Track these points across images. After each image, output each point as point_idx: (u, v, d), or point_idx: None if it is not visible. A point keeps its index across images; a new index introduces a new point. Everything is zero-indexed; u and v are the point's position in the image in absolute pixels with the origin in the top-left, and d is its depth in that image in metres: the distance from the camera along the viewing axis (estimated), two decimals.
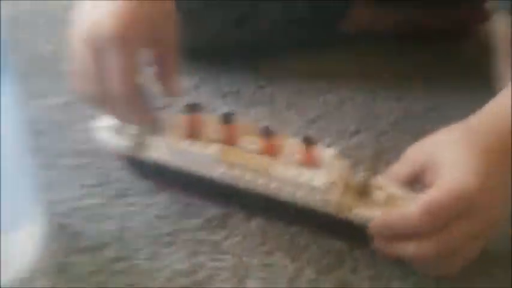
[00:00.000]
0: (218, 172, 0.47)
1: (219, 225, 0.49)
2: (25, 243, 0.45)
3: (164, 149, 0.48)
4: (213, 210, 0.50)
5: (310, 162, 0.46)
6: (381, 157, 0.56)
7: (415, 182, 0.45)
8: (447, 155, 0.42)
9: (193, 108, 0.48)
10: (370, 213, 0.45)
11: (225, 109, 0.60)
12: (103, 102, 0.46)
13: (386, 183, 0.46)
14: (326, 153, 0.47)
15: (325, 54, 0.67)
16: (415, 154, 0.46)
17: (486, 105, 0.45)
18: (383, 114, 0.61)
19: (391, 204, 0.45)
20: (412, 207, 0.41)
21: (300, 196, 0.46)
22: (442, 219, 0.40)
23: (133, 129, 0.50)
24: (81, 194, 0.50)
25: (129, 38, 0.43)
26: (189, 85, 0.63)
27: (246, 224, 0.49)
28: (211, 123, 0.49)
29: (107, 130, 0.50)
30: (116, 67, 0.43)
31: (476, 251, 0.43)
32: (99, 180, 0.52)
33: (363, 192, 0.46)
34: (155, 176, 0.52)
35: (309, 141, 0.46)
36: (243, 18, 0.63)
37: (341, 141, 0.58)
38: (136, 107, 0.46)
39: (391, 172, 0.47)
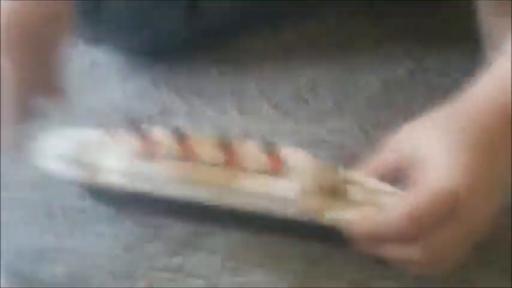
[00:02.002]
0: (177, 192, 0.44)
1: (183, 246, 0.46)
2: None
3: (117, 173, 0.45)
4: (177, 230, 0.47)
5: (278, 169, 0.43)
6: (363, 141, 0.53)
7: (397, 175, 0.42)
8: (432, 151, 0.39)
9: (134, 126, 0.45)
10: (348, 215, 0.42)
11: (186, 108, 0.58)
12: None
13: (365, 178, 0.43)
14: (295, 156, 0.44)
15: (292, 28, 0.63)
16: (398, 146, 0.42)
17: (473, 86, 0.41)
18: (363, 89, 0.57)
19: (370, 202, 0.42)
20: (394, 211, 0.39)
21: (270, 208, 0.43)
22: (427, 224, 0.38)
23: (84, 154, 0.47)
24: (32, 232, 0.48)
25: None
26: (147, 83, 0.60)
27: (215, 239, 0.47)
28: (164, 139, 0.45)
29: (54, 158, 0.47)
30: None
31: (464, 252, 0.40)
32: (52, 214, 0.49)
33: (339, 191, 0.43)
34: (115, 202, 0.49)
35: (271, 148, 0.43)
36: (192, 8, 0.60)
37: (319, 127, 0.55)
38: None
39: (372, 164, 0.44)
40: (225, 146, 0.43)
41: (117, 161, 0.45)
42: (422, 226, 0.38)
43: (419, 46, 0.60)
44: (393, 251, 0.40)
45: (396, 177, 0.42)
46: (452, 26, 0.61)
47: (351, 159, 0.47)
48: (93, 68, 0.63)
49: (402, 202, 0.39)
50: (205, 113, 0.57)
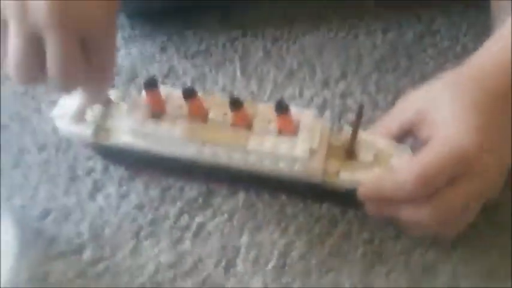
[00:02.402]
0: (189, 152, 0.46)
1: (202, 207, 0.48)
2: None
3: (128, 133, 0.47)
4: (193, 191, 0.49)
5: (287, 129, 0.44)
6: (368, 104, 0.54)
7: (407, 135, 0.44)
8: (442, 110, 0.41)
9: (150, 84, 0.46)
10: (359, 176, 0.43)
11: (194, 72, 0.59)
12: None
13: (374, 138, 0.45)
14: (303, 116, 0.45)
15: None
16: (408, 106, 0.44)
17: (479, 50, 0.43)
18: (368, 53, 0.59)
19: (381, 162, 0.43)
20: (404, 171, 0.40)
21: (281, 168, 0.44)
22: (437, 184, 0.39)
23: (94, 114, 0.48)
24: (52, 193, 0.50)
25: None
26: (154, 49, 0.61)
27: (230, 201, 0.48)
28: (175, 98, 0.47)
29: (64, 118, 0.49)
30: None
31: (474, 213, 0.42)
32: (70, 175, 0.51)
33: (349, 152, 0.45)
34: (126, 162, 0.50)
35: (282, 107, 0.44)
36: None
37: (325, 90, 0.56)
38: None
39: (381, 124, 0.45)
40: (237, 106, 0.44)
41: (128, 122, 0.46)
42: (432, 185, 0.39)
43: (428, 10, 0.61)
44: (404, 213, 0.41)
45: (405, 137, 0.44)
46: None
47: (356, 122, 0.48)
48: None
49: (412, 162, 0.40)
50: (213, 77, 0.58)
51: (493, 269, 0.44)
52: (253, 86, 0.57)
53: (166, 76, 0.58)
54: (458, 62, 0.44)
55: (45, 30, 0.39)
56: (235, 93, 0.57)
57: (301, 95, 0.56)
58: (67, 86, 0.42)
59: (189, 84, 0.57)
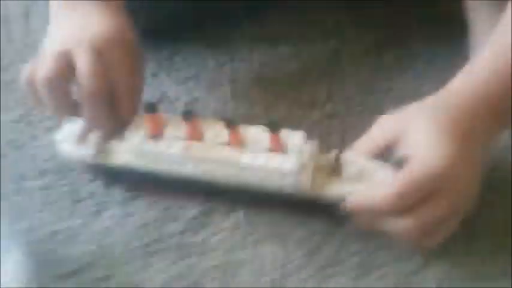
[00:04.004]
0: (187, 169, 0.50)
1: (203, 224, 0.52)
2: (6, 280, 0.47)
3: (129, 153, 0.51)
4: (193, 210, 0.53)
5: (277, 147, 0.49)
6: (352, 125, 0.59)
7: (386, 152, 0.49)
8: (418, 133, 0.46)
9: (150, 108, 0.50)
10: (344, 190, 0.48)
11: (186, 97, 0.63)
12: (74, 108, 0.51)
13: (357, 157, 0.49)
14: (293, 136, 0.50)
15: (279, 16, 0.69)
16: (387, 127, 0.49)
17: (457, 77, 0.48)
18: (352, 76, 0.64)
19: (364, 178, 0.48)
20: (387, 188, 0.45)
21: (273, 183, 0.49)
22: (418, 198, 0.44)
23: (95, 136, 0.52)
24: (55, 216, 0.53)
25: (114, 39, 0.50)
26: (147, 73, 0.65)
27: (229, 217, 0.52)
28: (173, 121, 0.51)
29: (67, 141, 0.53)
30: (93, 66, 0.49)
31: (452, 226, 0.47)
32: (72, 198, 0.54)
33: (335, 170, 0.50)
34: (127, 182, 0.54)
35: (273, 127, 0.49)
36: None
37: (313, 112, 0.61)
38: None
39: (362, 142, 0.50)
40: (231, 127, 0.49)
41: (129, 142, 0.51)
42: (410, 200, 0.44)
43: (408, 33, 0.67)
44: (388, 226, 0.46)
45: (385, 155, 0.49)
46: (441, 13, 0.67)
47: (343, 142, 0.53)
48: None
49: (392, 180, 0.45)
50: (204, 101, 0.62)
51: (475, 273, 0.49)
52: (243, 109, 0.62)
53: (159, 101, 0.62)
54: (435, 84, 0.49)
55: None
56: (227, 116, 0.61)
57: (289, 116, 0.61)
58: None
59: (181, 109, 0.61)
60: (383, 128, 0.49)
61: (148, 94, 0.62)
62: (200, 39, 0.67)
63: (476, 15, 0.58)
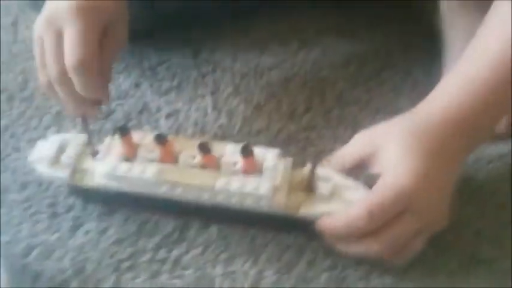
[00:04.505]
0: (161, 191, 0.51)
1: (177, 240, 0.53)
2: None
3: (103, 177, 0.52)
4: (168, 226, 0.54)
5: (251, 170, 0.50)
6: (330, 137, 0.60)
7: (360, 167, 0.50)
8: (389, 151, 0.47)
9: (122, 131, 0.51)
10: (317, 209, 0.49)
11: (167, 109, 0.64)
12: (60, 84, 0.52)
13: (331, 173, 0.51)
14: (267, 155, 0.51)
15: (263, 27, 0.69)
16: (361, 144, 0.50)
17: (428, 98, 0.49)
18: (332, 87, 0.65)
19: (337, 196, 0.49)
20: (354, 209, 0.46)
21: (248, 205, 0.50)
22: (384, 219, 0.45)
23: (69, 156, 0.53)
24: (32, 230, 0.54)
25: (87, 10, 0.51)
26: (128, 85, 0.66)
27: (203, 233, 0.54)
28: (147, 141, 0.52)
29: (42, 162, 0.54)
30: (74, 38, 0.50)
31: (421, 244, 0.48)
32: (51, 211, 0.55)
33: (309, 187, 0.50)
34: (102, 201, 0.55)
35: (246, 152, 0.49)
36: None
37: (291, 124, 0.62)
38: (91, 81, 0.51)
39: (337, 156, 0.51)
40: (205, 150, 0.50)
41: (102, 166, 0.52)
42: (380, 221, 0.45)
43: (388, 45, 0.68)
44: (357, 247, 0.47)
45: (358, 170, 0.50)
46: (422, 26, 0.68)
47: (319, 155, 0.54)
48: None
49: (361, 201, 0.46)
50: (185, 113, 0.63)
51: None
52: (224, 120, 0.63)
53: (140, 112, 0.64)
54: (413, 96, 0.50)
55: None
56: (207, 127, 0.62)
57: (268, 128, 0.62)
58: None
59: (162, 120, 0.63)
60: (358, 143, 0.51)
61: (131, 105, 0.64)
62: (184, 49, 0.68)
63: (453, 33, 0.59)
